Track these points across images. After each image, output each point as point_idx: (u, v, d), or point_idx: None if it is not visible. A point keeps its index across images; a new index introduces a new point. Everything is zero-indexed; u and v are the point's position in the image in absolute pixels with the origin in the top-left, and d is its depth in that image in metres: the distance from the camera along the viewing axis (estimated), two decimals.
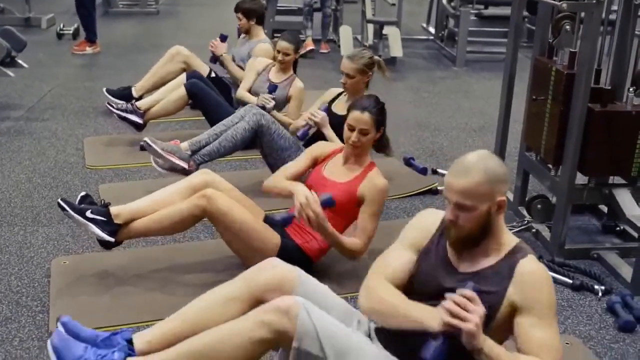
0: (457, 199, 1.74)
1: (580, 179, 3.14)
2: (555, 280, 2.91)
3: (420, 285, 1.88)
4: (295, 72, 4.13)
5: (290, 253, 2.66)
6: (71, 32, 7.26)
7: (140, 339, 1.95)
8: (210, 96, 4.19)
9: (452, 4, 7.46)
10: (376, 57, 3.50)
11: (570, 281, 2.88)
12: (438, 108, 5.50)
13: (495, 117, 3.85)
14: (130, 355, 1.88)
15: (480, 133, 4.87)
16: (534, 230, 3.31)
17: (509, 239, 1.84)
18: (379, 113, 2.75)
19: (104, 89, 4.76)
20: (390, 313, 1.80)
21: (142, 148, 3.45)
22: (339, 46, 7.02)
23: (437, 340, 1.66)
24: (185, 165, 3.38)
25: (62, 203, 2.61)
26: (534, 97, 3.26)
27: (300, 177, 2.86)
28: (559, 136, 3.05)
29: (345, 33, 6.89)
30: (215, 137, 3.48)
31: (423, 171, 4.07)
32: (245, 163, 4.09)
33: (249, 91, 4.12)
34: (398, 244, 1.96)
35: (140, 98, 4.61)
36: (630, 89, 3.04)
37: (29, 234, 3.15)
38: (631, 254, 3.04)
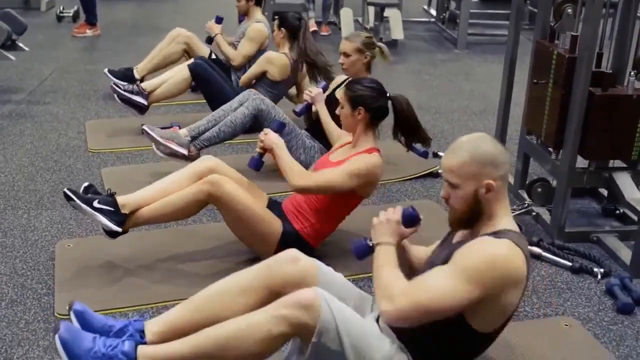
0: (445, 176, 1.83)
1: (581, 162, 3.15)
2: (555, 263, 2.94)
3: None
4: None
5: (290, 239, 2.69)
6: (71, 14, 7.23)
7: (152, 328, 1.93)
8: (214, 78, 4.18)
9: None
10: (380, 44, 3.51)
11: (570, 264, 2.91)
12: (439, 91, 5.50)
13: (496, 100, 3.85)
14: (140, 343, 1.86)
15: (481, 116, 4.87)
16: (534, 213, 3.33)
17: (501, 223, 1.82)
18: (357, 90, 2.68)
19: (106, 70, 4.76)
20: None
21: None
22: (339, 29, 7.00)
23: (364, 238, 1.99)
24: (184, 151, 3.39)
25: (68, 193, 2.60)
26: (535, 80, 3.26)
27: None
28: (559, 120, 3.06)
29: (346, 15, 6.87)
30: (214, 123, 3.49)
31: (424, 154, 4.06)
32: (247, 147, 4.10)
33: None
34: None
35: (142, 80, 4.61)
36: (632, 73, 3.05)
37: (32, 218, 3.17)
38: (630, 237, 3.06)
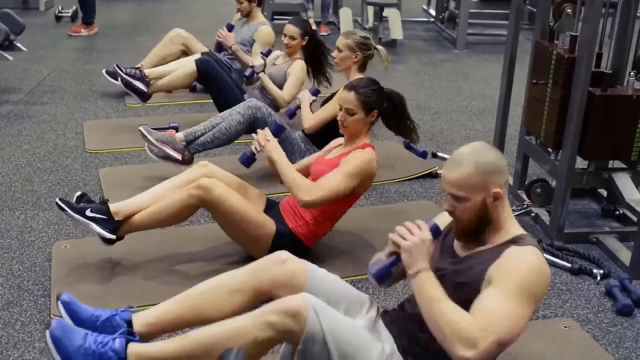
0: (450, 190, 1.78)
1: (580, 163, 3.14)
2: (554, 264, 2.93)
3: None
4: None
5: (285, 239, 2.68)
6: (69, 14, 7.21)
7: (139, 321, 1.95)
8: (221, 76, 4.14)
9: None
10: (379, 46, 3.50)
11: (569, 265, 2.90)
12: (438, 91, 5.49)
13: (496, 100, 3.84)
14: (130, 341, 1.86)
15: (480, 116, 4.86)
16: (533, 214, 3.31)
17: (513, 229, 1.82)
18: (369, 94, 2.70)
19: (104, 71, 4.75)
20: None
21: None
22: (339, 28, 6.98)
23: (387, 259, 1.79)
24: (179, 156, 3.39)
25: (60, 203, 2.59)
26: (534, 81, 3.25)
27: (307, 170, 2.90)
28: (559, 120, 3.05)
29: (345, 15, 6.86)
30: (211, 129, 3.48)
31: (423, 155, 4.06)
32: (246, 147, 4.08)
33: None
34: None
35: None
36: (631, 73, 3.03)
37: (29, 218, 3.16)
38: (630, 238, 3.05)
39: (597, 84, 2.97)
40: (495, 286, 1.68)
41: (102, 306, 2.46)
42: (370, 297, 2.01)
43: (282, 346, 1.97)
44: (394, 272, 1.82)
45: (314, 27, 6.88)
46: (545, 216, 3.26)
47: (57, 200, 2.61)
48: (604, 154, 3.10)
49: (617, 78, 3.13)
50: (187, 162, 3.41)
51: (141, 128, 3.41)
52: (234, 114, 3.47)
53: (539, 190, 3.35)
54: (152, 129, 3.48)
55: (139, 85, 4.22)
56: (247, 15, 4.69)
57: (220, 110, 3.96)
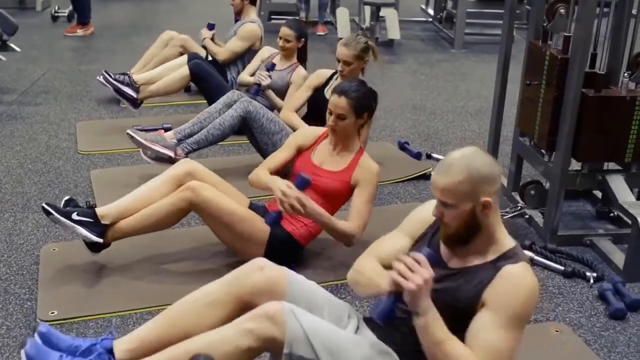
0: (439, 197, 1.74)
1: (574, 164, 3.11)
2: (547, 267, 2.90)
3: None
4: (303, 64, 4.07)
5: (279, 240, 2.66)
6: (66, 14, 7.19)
7: (121, 347, 1.89)
8: (213, 77, 4.18)
9: None
10: (370, 43, 3.47)
11: (562, 268, 2.87)
12: (435, 91, 5.46)
13: (492, 101, 3.81)
14: None
15: (476, 117, 4.82)
16: (527, 216, 3.29)
17: (504, 241, 1.78)
18: (360, 98, 2.68)
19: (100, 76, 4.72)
20: (364, 282, 1.89)
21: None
22: (336, 28, 6.95)
23: (387, 300, 1.71)
24: (171, 153, 3.36)
25: (47, 207, 2.57)
26: (527, 82, 3.22)
27: (285, 167, 2.83)
28: (552, 121, 3.02)
29: (342, 15, 6.83)
30: (200, 125, 3.47)
31: (417, 156, 4.05)
32: (239, 148, 4.06)
33: (252, 76, 4.11)
34: (397, 230, 2.00)
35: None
36: (625, 74, 3.00)
37: (18, 221, 3.14)
38: (624, 240, 3.02)
39: (591, 85, 2.94)
40: (492, 315, 1.68)
41: (90, 310, 2.48)
42: (350, 306, 1.98)
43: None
44: (396, 311, 1.77)
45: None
46: (539, 218, 3.23)
47: (44, 204, 2.59)
48: (598, 155, 3.06)
49: (612, 79, 3.10)
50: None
51: (129, 131, 3.39)
52: (223, 108, 3.45)
53: (532, 192, 3.32)
54: (145, 129, 3.46)
55: (128, 91, 4.22)
56: (240, 13, 4.69)
57: None
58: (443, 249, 1.85)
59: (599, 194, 3.40)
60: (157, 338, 1.87)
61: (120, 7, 8.27)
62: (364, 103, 2.70)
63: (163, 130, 3.51)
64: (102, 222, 2.60)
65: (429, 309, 1.66)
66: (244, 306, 1.86)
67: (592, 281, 2.80)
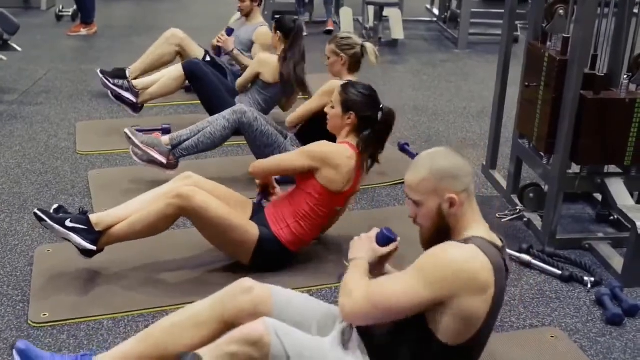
0: (407, 193, 1.83)
1: (573, 167, 3.08)
2: (544, 271, 2.87)
3: None
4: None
5: (268, 245, 2.65)
6: (70, 13, 7.19)
7: None
8: (209, 78, 4.11)
9: None
10: (366, 43, 3.44)
11: (560, 272, 2.83)
12: (437, 92, 5.42)
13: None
14: None
15: (478, 118, 4.78)
16: (525, 219, 3.25)
17: (471, 233, 1.79)
18: (352, 94, 2.69)
19: (98, 70, 4.72)
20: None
21: None
22: (340, 28, 6.93)
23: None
24: (163, 159, 3.34)
25: (39, 214, 2.55)
26: (526, 83, 3.19)
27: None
28: (550, 124, 2.99)
29: (346, 15, 6.80)
30: (196, 133, 3.44)
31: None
32: (238, 148, 4.05)
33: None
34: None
35: (134, 80, 4.57)
36: (625, 76, 2.96)
37: (14, 221, 3.13)
38: (624, 244, 2.98)
39: (589, 87, 2.90)
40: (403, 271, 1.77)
41: (82, 312, 2.46)
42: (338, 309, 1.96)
43: None
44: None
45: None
46: (537, 221, 3.20)
47: (36, 210, 2.57)
48: (597, 158, 3.03)
49: (613, 81, 3.06)
50: (172, 166, 3.37)
51: (126, 130, 3.37)
52: (219, 119, 3.42)
53: (531, 194, 3.29)
54: (143, 130, 3.44)
55: (127, 95, 4.20)
56: (248, 15, 4.65)
57: (209, 111, 3.92)
58: None
59: (599, 196, 3.37)
60: (138, 356, 1.86)
61: (121, 7, 8.27)
62: (354, 101, 2.68)
63: (161, 132, 3.48)
64: (96, 229, 2.57)
65: (360, 259, 1.89)
66: (228, 327, 1.84)
67: (589, 286, 2.76)
